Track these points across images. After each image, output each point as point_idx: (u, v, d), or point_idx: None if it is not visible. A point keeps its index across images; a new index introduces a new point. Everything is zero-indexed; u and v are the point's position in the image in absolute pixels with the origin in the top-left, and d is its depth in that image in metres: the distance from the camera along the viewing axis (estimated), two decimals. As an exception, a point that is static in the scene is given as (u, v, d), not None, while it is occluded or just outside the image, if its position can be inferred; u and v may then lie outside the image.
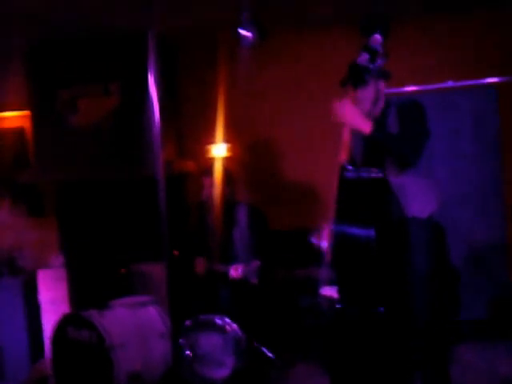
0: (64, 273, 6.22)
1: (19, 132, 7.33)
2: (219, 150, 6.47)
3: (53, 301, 6.05)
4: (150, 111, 3.55)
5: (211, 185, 5.68)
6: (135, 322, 5.24)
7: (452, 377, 4.53)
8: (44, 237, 6.45)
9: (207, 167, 5.91)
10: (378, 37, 4.02)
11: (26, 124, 7.28)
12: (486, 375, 5.02)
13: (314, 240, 4.35)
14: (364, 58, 4.07)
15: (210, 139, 6.50)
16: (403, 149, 4.09)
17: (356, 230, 4.06)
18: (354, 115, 4.09)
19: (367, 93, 4.19)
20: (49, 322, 5.76)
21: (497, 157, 6.51)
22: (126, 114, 6.85)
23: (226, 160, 6.27)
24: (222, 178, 5.68)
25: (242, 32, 5.62)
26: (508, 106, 6.41)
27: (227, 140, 6.49)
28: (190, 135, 7.14)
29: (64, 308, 5.96)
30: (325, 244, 4.26)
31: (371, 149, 4.17)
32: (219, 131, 6.38)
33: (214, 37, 6.76)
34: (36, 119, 7.11)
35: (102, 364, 4.90)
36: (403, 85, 6.34)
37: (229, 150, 6.53)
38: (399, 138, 4.10)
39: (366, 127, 4.05)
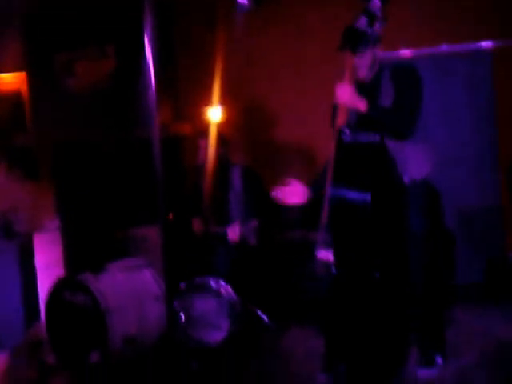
0: (59, 236, 6.22)
1: (16, 94, 7.27)
2: (215, 113, 6.44)
3: (48, 264, 6.05)
4: (146, 74, 3.52)
5: (207, 147, 5.66)
6: (130, 285, 5.23)
7: (447, 339, 4.57)
8: (39, 200, 6.41)
9: (203, 130, 5.90)
10: (377, 1, 3.99)
11: (23, 87, 7.22)
12: (480, 337, 5.01)
13: (275, 194, 4.37)
14: (363, 21, 4.05)
15: (206, 102, 6.47)
16: (398, 124, 4.09)
17: (352, 194, 4.05)
18: (350, 95, 4.08)
19: (365, 58, 4.18)
20: (44, 285, 5.75)
21: (491, 121, 6.46)
22: (122, 76, 6.85)
23: (222, 122, 6.25)
24: (217, 140, 5.65)
25: (238, -2, 5.63)
26: (503, 71, 6.36)
27: (223, 103, 6.45)
28: (186, 98, 7.12)
29: (59, 271, 5.97)
30: (289, 201, 4.28)
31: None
32: (215, 94, 6.35)
33: (211, 1, 6.69)
34: (33, 82, 7.09)
35: (96, 327, 4.90)
36: (397, 48, 6.29)
37: (225, 112, 6.50)
38: (394, 111, 4.08)
39: (362, 105, 4.05)
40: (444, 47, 6.38)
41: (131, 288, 5.20)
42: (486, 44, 6.32)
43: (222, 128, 6.02)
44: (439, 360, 4.38)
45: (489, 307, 5.70)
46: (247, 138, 6.54)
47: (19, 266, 5.94)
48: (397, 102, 4.09)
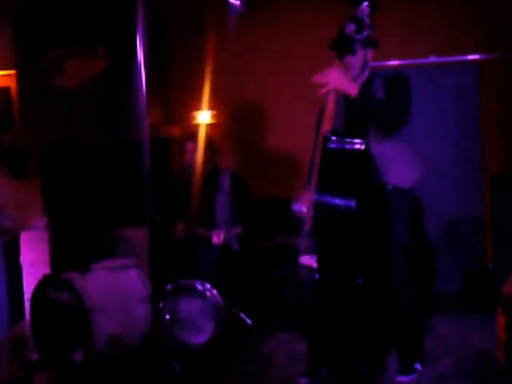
0: (46, 235, 6.17)
1: (5, 91, 7.23)
2: (204, 117, 6.44)
3: (34, 263, 6.00)
4: (137, 75, 3.51)
5: (194, 150, 5.65)
6: (116, 286, 5.19)
7: (427, 346, 4.58)
8: (27, 199, 6.38)
9: (191, 133, 5.89)
10: (365, 7, 4.00)
11: (13, 84, 7.18)
12: (458, 345, 5.04)
13: (295, 207, 4.35)
14: (351, 28, 4.05)
15: (196, 106, 6.46)
16: (387, 112, 4.10)
17: (337, 200, 4.05)
18: (341, 78, 4.08)
19: (355, 60, 4.22)
20: (30, 283, 5.69)
21: (476, 133, 6.49)
22: (112, 77, 6.80)
23: (211, 127, 6.24)
24: (205, 145, 5.64)
25: (231, 0, 5.59)
26: (489, 83, 6.41)
27: (213, 107, 6.45)
28: (176, 101, 7.12)
29: (45, 270, 5.89)
30: (304, 210, 4.26)
31: (354, 119, 4.18)
32: (205, 98, 6.34)
33: (202, 3, 6.68)
34: (22, 79, 7.05)
35: (81, 326, 4.85)
36: (387, 59, 6.31)
37: (214, 117, 6.49)
38: (384, 103, 4.10)
39: (353, 90, 4.05)
40: (432, 59, 6.41)
41: (117, 288, 5.16)
42: (472, 56, 6.36)
43: (211, 132, 6.01)
44: (418, 366, 4.38)
45: (467, 316, 5.73)
46: (236, 144, 6.55)
47: (5, 264, 5.89)
48: (387, 100, 4.12)
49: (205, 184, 5.61)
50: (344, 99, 4.17)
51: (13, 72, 7.12)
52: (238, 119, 6.79)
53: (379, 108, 4.10)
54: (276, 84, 6.78)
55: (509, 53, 6.19)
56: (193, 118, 6.54)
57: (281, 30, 6.82)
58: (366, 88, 4.18)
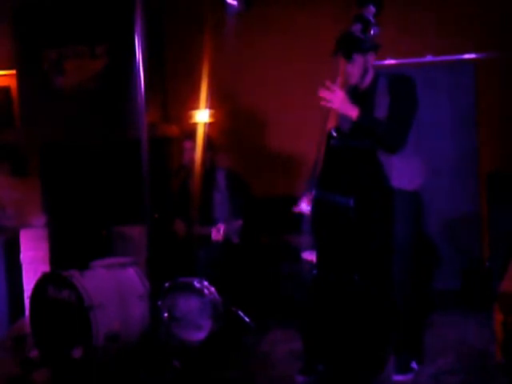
0: (46, 233, 6.14)
1: (5, 91, 7.20)
2: (202, 116, 6.40)
3: (34, 260, 5.98)
4: (135, 75, 3.49)
5: (192, 149, 5.63)
6: (115, 283, 5.16)
7: (425, 343, 4.63)
8: (27, 197, 6.35)
9: (189, 131, 5.86)
10: (371, 8, 3.98)
11: (13, 83, 7.16)
12: (455, 343, 5.00)
13: (297, 207, 4.33)
14: (357, 28, 4.03)
15: (194, 105, 6.43)
16: (389, 137, 4.07)
17: (336, 198, 4.02)
18: (344, 101, 4.06)
19: (356, 65, 4.18)
20: (29, 281, 5.68)
21: (472, 131, 6.45)
22: (111, 76, 6.77)
23: (210, 126, 6.21)
24: (203, 143, 5.60)
25: (228, 0, 5.57)
26: (484, 82, 6.37)
27: (211, 106, 6.41)
28: (174, 100, 7.08)
29: (45, 268, 5.88)
30: (307, 208, 4.24)
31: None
32: (203, 97, 6.30)
33: (201, 3, 6.63)
34: (22, 79, 7.03)
35: (80, 324, 4.81)
36: (383, 58, 6.26)
37: (212, 116, 6.46)
38: (386, 124, 4.05)
39: (354, 113, 4.04)
40: (429, 58, 6.37)
41: (115, 286, 5.12)
42: (468, 56, 6.33)
43: (210, 131, 5.98)
44: (414, 366, 4.35)
45: (465, 314, 5.69)
46: (234, 143, 6.52)
47: (5, 262, 5.89)
48: (391, 113, 4.06)
49: (203, 182, 5.58)
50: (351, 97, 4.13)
51: (13, 72, 7.09)
52: (236, 118, 6.76)
53: (380, 131, 4.06)
54: (273, 82, 6.73)
55: (504, 52, 6.14)
56: (191, 116, 6.51)
57: (278, 29, 6.76)
58: (370, 91, 4.18)
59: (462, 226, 6.38)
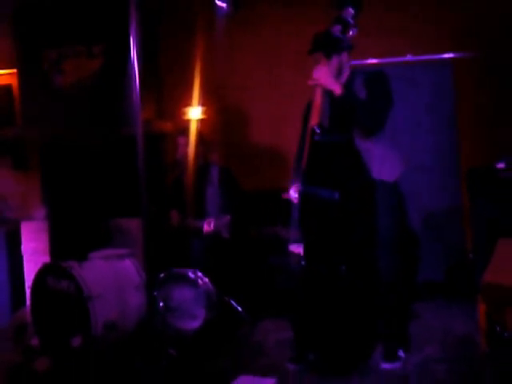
0: (46, 225, 6.17)
1: (7, 89, 7.23)
2: (195, 113, 6.44)
3: (35, 252, 6.01)
4: (131, 73, 3.52)
5: (186, 144, 5.67)
6: (112, 274, 5.19)
7: (412, 333, 4.58)
8: (28, 190, 6.38)
9: (182, 127, 5.91)
10: (350, 9, 4.02)
11: (14, 82, 7.18)
12: (441, 332, 5.04)
13: (286, 195, 4.38)
14: (337, 29, 4.06)
15: (187, 102, 6.47)
16: (368, 115, 4.11)
17: (322, 191, 4.06)
18: (328, 76, 4.12)
19: (331, 66, 4.22)
20: (30, 272, 5.71)
21: (452, 128, 6.49)
22: (107, 75, 6.79)
23: (202, 122, 6.24)
24: (196, 139, 5.64)
25: (218, 2, 5.63)
26: (463, 80, 6.40)
27: (203, 103, 6.46)
28: (168, 97, 7.10)
29: (45, 259, 5.91)
30: (295, 195, 4.28)
31: (339, 114, 4.18)
32: (196, 94, 6.34)
33: (192, 4, 6.67)
34: (22, 78, 7.05)
35: (79, 313, 4.86)
36: (365, 57, 6.31)
37: (204, 112, 6.50)
38: (366, 103, 4.10)
39: (338, 88, 4.09)
40: (409, 57, 6.42)
41: (113, 276, 5.15)
42: (448, 55, 6.38)
43: (202, 128, 6.01)
44: (402, 354, 4.38)
45: (450, 305, 5.74)
46: (223, 138, 6.56)
47: (6, 253, 5.91)
48: (368, 99, 4.12)
49: (196, 177, 5.62)
50: (329, 97, 4.18)
51: (15, 70, 7.12)
52: (226, 114, 6.81)
53: (360, 109, 4.11)
54: (261, 80, 6.79)
55: (481, 51, 6.21)
56: (184, 113, 6.55)
57: (266, 29, 6.81)
58: (348, 88, 4.20)
59: (445, 220, 6.42)
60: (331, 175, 4.15)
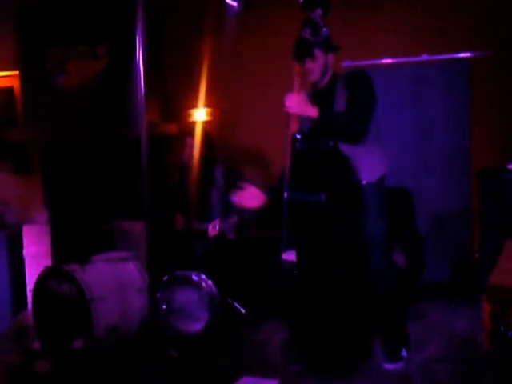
0: (48, 228, 6.16)
1: (8, 91, 7.21)
2: (200, 114, 6.43)
3: (36, 255, 5.99)
4: (135, 75, 3.49)
5: (193, 145, 5.62)
6: (115, 277, 5.17)
7: (415, 333, 4.61)
8: (29, 193, 6.37)
9: (191, 129, 5.86)
10: (318, 11, 4.02)
11: (16, 84, 7.16)
12: (444, 333, 5.03)
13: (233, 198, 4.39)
14: (307, 32, 4.06)
15: (192, 103, 6.45)
16: (350, 128, 4.09)
17: (308, 197, 4.07)
18: (301, 103, 4.07)
19: (316, 65, 4.18)
20: (32, 275, 5.68)
21: (465, 129, 6.45)
22: (112, 76, 6.75)
23: (207, 124, 6.23)
24: (202, 140, 5.61)
25: (228, 0, 5.59)
26: (479, 80, 6.36)
27: (209, 105, 6.44)
28: (173, 99, 7.07)
29: (47, 263, 5.91)
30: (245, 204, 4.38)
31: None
32: (201, 96, 6.33)
33: (201, 3, 6.64)
34: (24, 79, 7.03)
35: (81, 316, 4.83)
36: (380, 57, 6.27)
37: (209, 114, 6.48)
38: (346, 116, 4.08)
39: (313, 113, 4.03)
40: (424, 57, 6.38)
41: (115, 279, 5.13)
42: (463, 54, 6.33)
43: (208, 128, 6.00)
44: (404, 354, 4.36)
45: (454, 305, 5.72)
46: (229, 139, 6.54)
47: (8, 256, 5.88)
48: (350, 105, 4.09)
49: (201, 179, 5.59)
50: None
51: (16, 73, 7.10)
52: (232, 117, 6.78)
53: (341, 125, 4.08)
54: (268, 83, 6.72)
55: (498, 50, 6.17)
56: (189, 115, 6.52)
57: (277, 29, 6.71)
58: (329, 90, 4.19)
59: (452, 219, 6.40)
60: (316, 181, 4.15)
